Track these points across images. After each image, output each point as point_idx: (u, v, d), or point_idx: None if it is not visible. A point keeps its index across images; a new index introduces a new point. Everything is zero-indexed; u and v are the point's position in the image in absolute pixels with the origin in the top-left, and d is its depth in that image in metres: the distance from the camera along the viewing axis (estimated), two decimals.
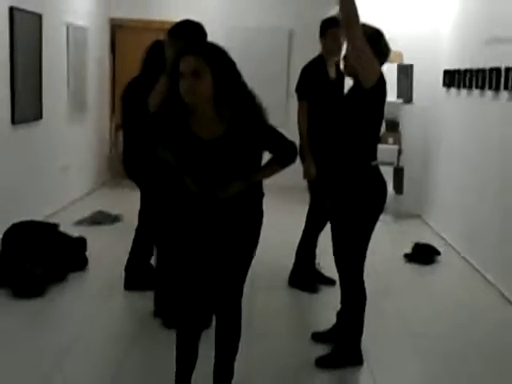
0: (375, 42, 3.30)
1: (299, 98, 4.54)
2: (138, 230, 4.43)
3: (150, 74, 3.79)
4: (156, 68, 3.72)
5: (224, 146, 2.62)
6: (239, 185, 2.67)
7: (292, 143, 2.79)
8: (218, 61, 2.56)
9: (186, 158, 2.70)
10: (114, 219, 6.45)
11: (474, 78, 5.64)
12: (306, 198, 4.71)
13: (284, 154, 2.77)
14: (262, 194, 2.84)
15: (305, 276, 4.68)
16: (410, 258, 5.56)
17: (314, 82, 4.46)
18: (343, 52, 3.47)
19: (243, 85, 2.69)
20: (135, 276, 4.41)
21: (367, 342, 3.58)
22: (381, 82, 3.30)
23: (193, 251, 2.79)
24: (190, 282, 2.80)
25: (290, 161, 2.78)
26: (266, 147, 2.75)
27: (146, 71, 4.01)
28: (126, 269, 4.43)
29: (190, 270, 2.80)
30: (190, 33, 3.67)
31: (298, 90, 4.58)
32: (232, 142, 2.61)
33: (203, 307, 2.85)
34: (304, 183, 4.64)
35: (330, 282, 4.65)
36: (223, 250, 2.78)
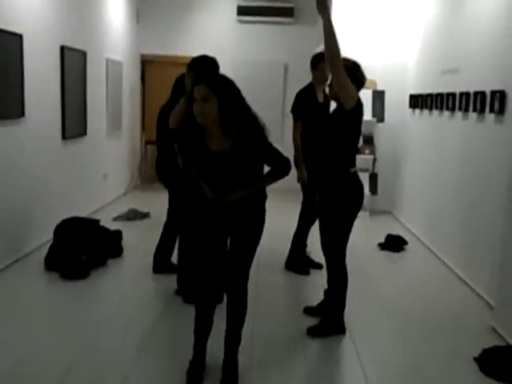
0: (353, 73, 3.30)
1: (294, 119, 4.52)
2: (165, 224, 4.42)
3: (177, 100, 3.81)
4: (181, 95, 3.75)
5: (230, 157, 2.64)
6: (241, 193, 2.69)
7: (286, 159, 2.77)
8: (223, 89, 2.59)
9: (200, 167, 2.71)
10: (143, 216, 6.43)
11: (434, 101, 5.64)
12: (299, 198, 4.70)
13: (280, 168, 2.75)
14: (265, 196, 2.85)
15: (298, 261, 4.67)
16: (383, 246, 5.55)
17: (306, 105, 4.45)
18: (328, 81, 3.46)
19: (247, 108, 2.69)
20: (162, 262, 4.42)
21: (349, 315, 3.58)
22: (358, 105, 3.30)
23: (209, 241, 2.81)
24: (208, 265, 2.81)
25: (284, 174, 2.77)
26: (265, 161, 2.74)
27: (173, 98, 4.03)
28: (155, 256, 4.43)
29: (207, 256, 2.81)
30: (204, 65, 3.66)
31: (294, 111, 4.56)
32: (237, 155, 2.63)
33: (217, 285, 2.84)
34: (298, 186, 4.64)
35: (318, 266, 4.64)
36: (234, 240, 2.81)
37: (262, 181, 2.78)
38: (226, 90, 2.60)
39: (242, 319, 2.85)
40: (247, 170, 2.69)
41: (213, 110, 2.56)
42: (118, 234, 4.99)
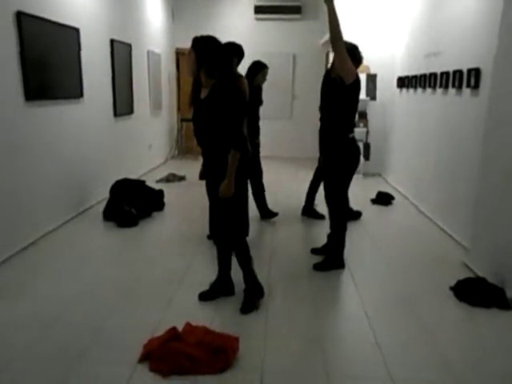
0: (352, 53, 3.18)
1: None
2: None
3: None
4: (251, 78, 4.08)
5: (205, 104, 2.55)
6: (225, 184, 2.52)
7: (240, 134, 2.50)
8: (201, 45, 2.51)
9: (194, 113, 2.64)
10: (180, 179, 6.41)
11: (418, 81, 5.45)
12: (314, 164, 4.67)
13: (234, 138, 2.49)
14: (242, 172, 2.62)
15: (311, 209, 4.74)
16: (375, 201, 5.48)
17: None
18: (331, 59, 3.33)
19: (228, 67, 2.56)
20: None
21: (348, 254, 3.56)
22: (357, 80, 3.20)
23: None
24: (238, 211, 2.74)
25: (237, 146, 2.48)
26: (226, 121, 2.49)
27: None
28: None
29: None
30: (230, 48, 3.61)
31: None
32: (209, 103, 2.53)
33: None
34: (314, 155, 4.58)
35: (321, 217, 4.61)
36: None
37: (229, 161, 2.51)
38: (203, 47, 2.50)
39: (238, 258, 2.79)
40: (215, 120, 2.50)
41: (192, 62, 2.51)
42: (160, 193, 5.00)
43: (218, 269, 2.95)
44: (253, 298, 2.81)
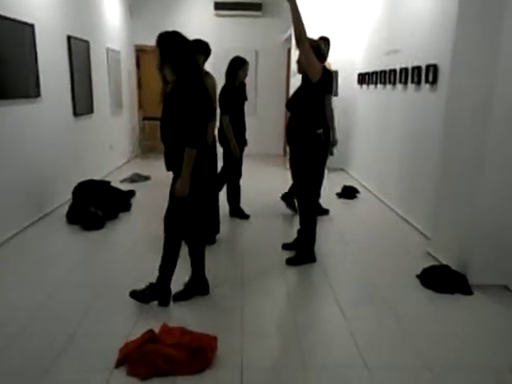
0: (317, 49, 3.23)
1: None
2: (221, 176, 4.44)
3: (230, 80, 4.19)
4: (232, 76, 4.21)
5: (166, 100, 2.56)
6: (179, 183, 2.54)
7: (198, 133, 2.49)
8: (162, 43, 2.52)
9: None
10: (145, 178, 6.29)
11: (379, 77, 5.61)
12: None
13: (188, 136, 2.48)
14: (200, 171, 2.60)
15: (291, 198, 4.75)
16: (340, 195, 5.60)
17: None
18: (297, 58, 3.37)
19: (190, 64, 2.52)
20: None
21: (318, 247, 3.62)
22: (323, 78, 3.24)
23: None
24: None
25: (191, 143, 2.47)
26: (181, 119, 2.48)
27: (227, 79, 4.24)
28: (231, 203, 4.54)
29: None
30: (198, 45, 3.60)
31: None
32: (169, 98, 2.53)
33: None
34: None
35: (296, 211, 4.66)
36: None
37: (184, 160, 2.50)
38: (166, 43, 2.51)
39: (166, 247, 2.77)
40: (174, 116, 2.50)
41: (157, 59, 2.53)
42: (130, 193, 4.89)
43: (191, 269, 2.93)
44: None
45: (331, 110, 4.05)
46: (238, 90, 4.30)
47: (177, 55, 2.50)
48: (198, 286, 2.90)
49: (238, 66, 4.26)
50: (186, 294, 2.86)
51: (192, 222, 2.77)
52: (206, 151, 2.70)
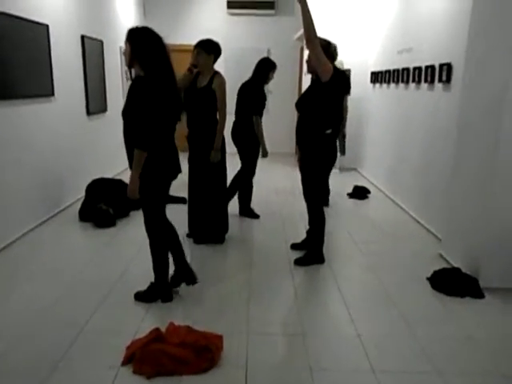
0: (327, 49, 3.19)
1: None
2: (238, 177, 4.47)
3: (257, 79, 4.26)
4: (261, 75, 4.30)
5: (128, 94, 2.49)
6: (128, 185, 2.49)
7: (142, 136, 2.42)
8: (132, 38, 2.48)
9: None
10: None
11: (392, 76, 5.54)
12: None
13: (136, 137, 2.43)
14: (149, 168, 2.52)
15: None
16: (351, 195, 5.55)
17: None
18: (306, 57, 3.34)
19: (153, 60, 2.46)
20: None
21: (327, 248, 3.60)
22: (334, 77, 3.19)
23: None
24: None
25: (140, 145, 2.42)
26: (133, 118, 2.43)
27: (253, 77, 4.35)
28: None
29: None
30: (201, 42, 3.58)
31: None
32: (128, 93, 2.47)
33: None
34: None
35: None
36: None
37: (134, 158, 2.47)
38: (136, 39, 2.47)
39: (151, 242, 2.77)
40: (128, 114, 2.47)
41: (127, 55, 2.50)
42: None
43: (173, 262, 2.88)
44: (150, 294, 2.79)
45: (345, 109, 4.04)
46: (261, 92, 4.28)
47: (146, 51, 2.45)
48: (182, 275, 2.88)
49: (269, 68, 4.26)
50: (173, 283, 2.86)
51: (155, 222, 2.71)
52: (169, 152, 2.60)
